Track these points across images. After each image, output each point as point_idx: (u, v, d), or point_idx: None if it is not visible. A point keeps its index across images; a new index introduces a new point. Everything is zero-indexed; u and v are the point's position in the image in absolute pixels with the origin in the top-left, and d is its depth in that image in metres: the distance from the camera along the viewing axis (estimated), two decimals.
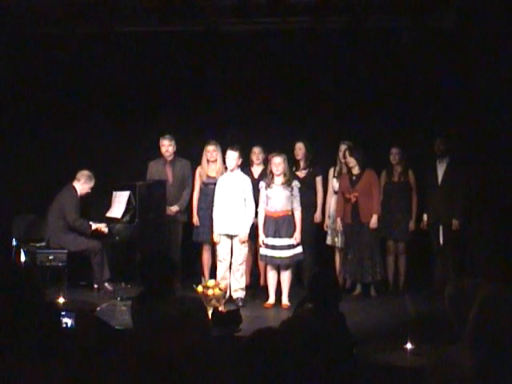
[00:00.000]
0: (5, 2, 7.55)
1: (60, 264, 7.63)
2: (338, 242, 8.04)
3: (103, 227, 7.84)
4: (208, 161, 7.98)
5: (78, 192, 7.91)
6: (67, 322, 3.16)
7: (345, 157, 7.87)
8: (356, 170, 7.81)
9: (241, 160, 7.62)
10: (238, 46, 8.33)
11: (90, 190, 7.99)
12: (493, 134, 7.49)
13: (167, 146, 8.15)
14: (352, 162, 7.76)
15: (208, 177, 7.96)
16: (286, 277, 7.42)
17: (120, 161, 8.67)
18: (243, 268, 7.59)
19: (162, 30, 7.92)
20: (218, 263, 7.59)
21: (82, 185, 7.93)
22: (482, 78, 7.48)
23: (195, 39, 8.06)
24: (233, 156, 7.49)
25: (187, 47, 8.30)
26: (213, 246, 7.79)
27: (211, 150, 7.92)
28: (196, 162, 8.14)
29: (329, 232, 8.19)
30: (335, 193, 8.14)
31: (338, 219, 7.89)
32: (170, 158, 8.20)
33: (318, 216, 8.16)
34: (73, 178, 7.96)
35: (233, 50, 8.38)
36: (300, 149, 8.15)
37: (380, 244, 7.97)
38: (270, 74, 8.61)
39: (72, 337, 2.95)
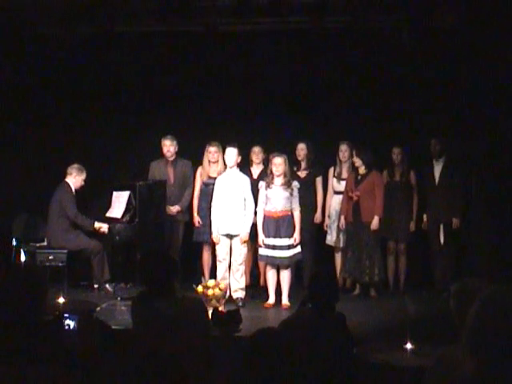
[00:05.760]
0: (5, 2, 7.54)
1: (60, 264, 7.62)
2: (340, 241, 8.05)
3: (105, 228, 7.83)
4: (209, 162, 7.98)
5: (72, 186, 7.91)
6: (69, 324, 3.15)
7: (351, 156, 7.94)
8: (362, 170, 7.84)
9: (240, 157, 7.63)
10: (238, 46, 8.32)
11: (83, 183, 7.96)
12: (492, 134, 7.49)
13: (169, 146, 8.16)
14: (358, 161, 7.80)
15: (209, 177, 7.96)
16: (286, 277, 7.42)
17: (120, 161, 8.67)
18: (243, 268, 7.59)
19: (162, 30, 7.92)
20: (218, 263, 7.59)
21: (75, 177, 7.92)
22: (481, 78, 7.48)
23: (195, 39, 8.06)
24: (232, 153, 7.50)
25: (187, 47, 8.30)
26: (213, 245, 7.79)
27: (213, 151, 7.92)
28: (197, 162, 8.14)
29: (329, 232, 8.19)
30: (335, 193, 8.14)
31: (342, 217, 7.91)
32: (171, 158, 8.21)
33: (318, 216, 8.16)
34: (64, 174, 7.96)
35: (233, 50, 8.37)
36: (302, 149, 8.16)
37: (380, 244, 7.96)
38: (270, 74, 8.60)
39: (74, 339, 2.94)
